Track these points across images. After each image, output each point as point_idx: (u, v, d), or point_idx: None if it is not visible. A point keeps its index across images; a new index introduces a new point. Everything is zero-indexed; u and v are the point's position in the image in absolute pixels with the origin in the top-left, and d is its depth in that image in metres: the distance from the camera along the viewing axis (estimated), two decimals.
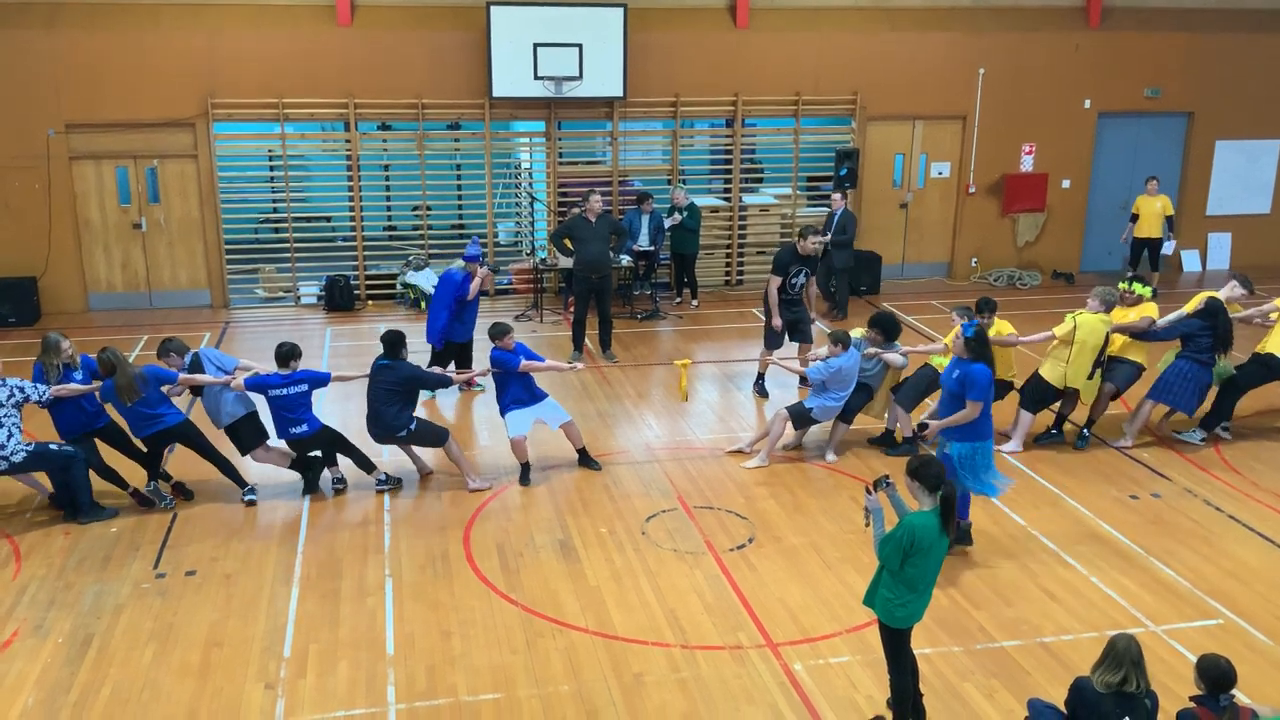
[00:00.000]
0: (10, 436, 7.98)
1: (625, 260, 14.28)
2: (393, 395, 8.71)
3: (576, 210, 12.95)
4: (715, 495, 8.86)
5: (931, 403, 9.82)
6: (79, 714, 5.96)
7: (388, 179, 16.74)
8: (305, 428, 8.67)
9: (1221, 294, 10.02)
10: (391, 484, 8.92)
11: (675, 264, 15.35)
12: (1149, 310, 9.80)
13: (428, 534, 8.15)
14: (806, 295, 11.16)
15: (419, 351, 11.03)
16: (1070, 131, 16.67)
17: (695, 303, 15.23)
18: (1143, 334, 9.71)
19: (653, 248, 14.66)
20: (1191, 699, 5.00)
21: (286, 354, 8.62)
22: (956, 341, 7.74)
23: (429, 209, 15.75)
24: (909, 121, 16.39)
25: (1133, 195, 16.22)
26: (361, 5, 14.53)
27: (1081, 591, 7.32)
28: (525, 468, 9.11)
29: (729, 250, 16.27)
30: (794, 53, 15.55)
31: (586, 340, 12.48)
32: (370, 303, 15.25)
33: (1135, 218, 15.61)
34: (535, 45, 14.21)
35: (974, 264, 16.96)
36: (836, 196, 14.41)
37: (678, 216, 14.67)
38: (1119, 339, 9.74)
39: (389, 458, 9.33)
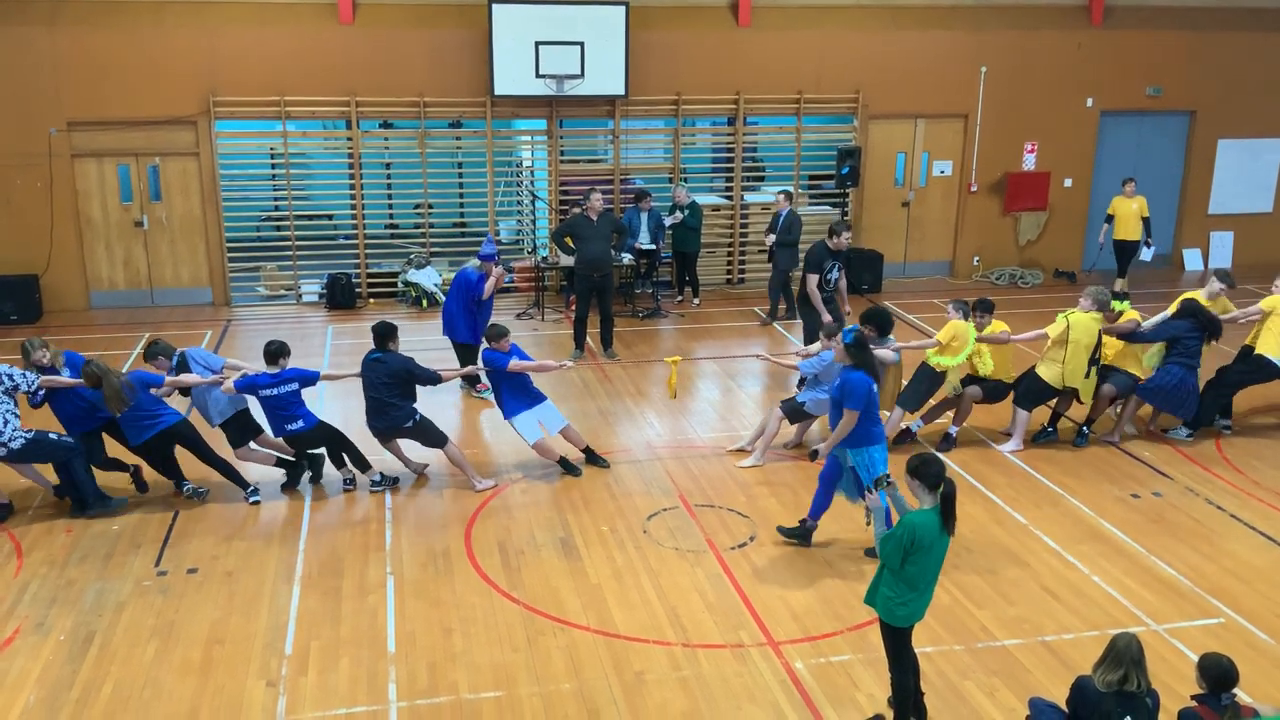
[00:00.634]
0: (6, 423, 7.98)
1: (627, 258, 14.28)
2: (390, 387, 8.70)
3: (578, 209, 12.95)
4: (717, 493, 8.86)
5: (933, 402, 9.88)
6: (80, 712, 5.97)
7: (389, 177, 16.74)
8: (301, 424, 8.66)
9: (1202, 294, 10.06)
10: (387, 484, 8.90)
11: (677, 262, 15.36)
12: (1132, 315, 9.83)
13: (429, 532, 8.16)
14: (840, 291, 11.23)
15: (429, 350, 11.03)
16: (1072, 130, 16.66)
17: (697, 301, 15.23)
18: (1129, 335, 9.71)
19: (654, 246, 14.66)
20: (1193, 698, 5.01)
21: (275, 351, 8.58)
22: (836, 348, 7.74)
23: (430, 207, 15.75)
24: (911, 120, 16.38)
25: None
26: (363, 3, 14.53)
27: (1083, 590, 7.32)
28: (563, 462, 9.16)
29: (730, 249, 16.28)
30: (796, 51, 15.54)
31: (588, 338, 12.49)
32: (372, 301, 15.25)
33: (1111, 219, 15.31)
34: (537, 43, 14.22)
35: (976, 263, 16.95)
36: (781, 197, 14.07)
37: (679, 215, 14.66)
38: (1111, 347, 9.76)
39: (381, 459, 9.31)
